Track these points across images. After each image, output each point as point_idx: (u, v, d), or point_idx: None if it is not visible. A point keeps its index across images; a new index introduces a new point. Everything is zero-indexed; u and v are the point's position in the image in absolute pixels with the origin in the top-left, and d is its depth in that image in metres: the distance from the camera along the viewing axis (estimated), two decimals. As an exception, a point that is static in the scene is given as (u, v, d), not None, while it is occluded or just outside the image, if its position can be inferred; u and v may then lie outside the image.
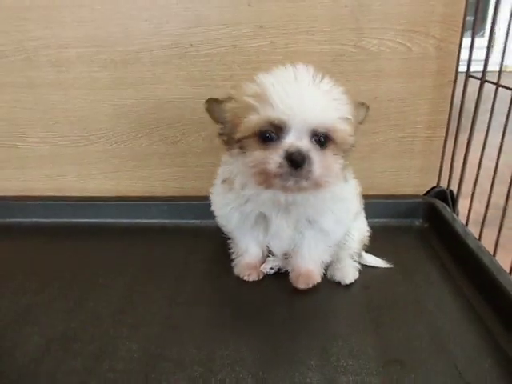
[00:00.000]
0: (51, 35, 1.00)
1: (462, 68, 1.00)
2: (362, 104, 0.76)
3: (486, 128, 0.92)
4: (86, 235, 1.07)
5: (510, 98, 0.81)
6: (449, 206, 1.07)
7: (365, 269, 0.90)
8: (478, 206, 0.98)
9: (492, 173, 0.90)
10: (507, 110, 0.83)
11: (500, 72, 0.86)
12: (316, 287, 0.85)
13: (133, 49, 1.01)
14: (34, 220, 1.12)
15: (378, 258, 0.93)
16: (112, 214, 1.10)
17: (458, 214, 1.07)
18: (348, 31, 0.99)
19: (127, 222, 1.10)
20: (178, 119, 1.08)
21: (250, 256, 0.89)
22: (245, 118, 0.66)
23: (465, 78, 0.97)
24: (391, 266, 0.91)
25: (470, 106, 0.99)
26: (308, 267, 0.85)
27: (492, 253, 0.88)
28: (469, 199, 0.99)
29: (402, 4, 0.96)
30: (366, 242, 0.92)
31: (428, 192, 1.13)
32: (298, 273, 0.85)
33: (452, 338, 0.72)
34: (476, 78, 0.93)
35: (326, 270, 0.88)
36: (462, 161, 1.01)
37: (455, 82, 1.01)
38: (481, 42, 0.96)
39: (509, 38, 0.84)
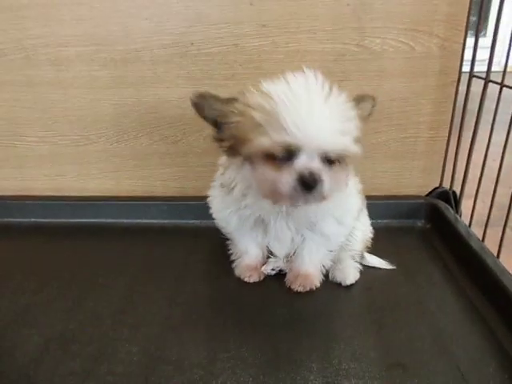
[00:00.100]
0: (50, 33, 0.99)
1: (465, 68, 0.99)
2: (367, 97, 0.74)
3: (488, 128, 0.91)
4: (86, 235, 1.06)
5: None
6: (451, 206, 1.06)
7: (366, 270, 0.89)
8: (482, 207, 0.97)
9: (494, 173, 0.89)
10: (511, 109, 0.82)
11: (504, 72, 0.85)
12: (317, 288, 0.84)
13: (133, 47, 1.00)
14: (33, 220, 1.11)
15: (380, 259, 0.92)
16: (112, 214, 1.10)
17: (460, 215, 1.06)
18: (350, 30, 0.98)
19: (127, 222, 1.10)
20: (179, 119, 1.07)
21: (250, 257, 0.88)
22: (253, 137, 0.64)
23: (468, 77, 0.96)
24: (393, 267, 0.90)
25: (471, 106, 0.98)
26: (307, 270, 0.84)
27: (495, 254, 0.87)
28: (471, 200, 0.98)
29: (405, 3, 0.95)
30: (369, 244, 0.91)
31: (430, 193, 1.13)
32: (296, 274, 0.84)
33: (455, 340, 0.72)
34: (480, 77, 0.92)
35: (327, 271, 0.87)
36: (464, 161, 1.00)
37: (459, 81, 1.00)
38: (482, 41, 0.95)
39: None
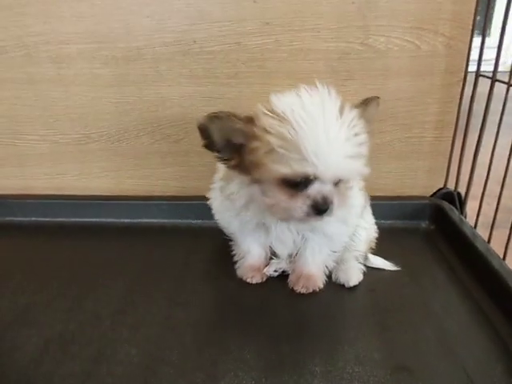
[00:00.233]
0: (51, 30, 0.98)
1: (470, 68, 0.98)
2: (371, 99, 0.72)
3: (493, 128, 0.90)
4: (86, 235, 1.06)
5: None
6: (456, 208, 1.05)
7: (370, 271, 0.88)
8: (486, 209, 0.96)
9: (499, 174, 0.88)
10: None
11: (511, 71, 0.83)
12: (320, 290, 0.83)
13: (135, 45, 0.99)
14: (34, 219, 1.10)
15: (384, 260, 0.90)
16: (112, 213, 1.09)
17: (465, 217, 1.05)
18: (355, 28, 0.97)
19: (128, 222, 1.09)
20: (181, 117, 1.06)
21: (252, 257, 0.87)
22: (269, 164, 0.62)
23: (475, 77, 0.95)
24: (397, 268, 0.89)
25: (476, 106, 0.97)
26: (310, 271, 0.83)
27: (502, 256, 0.86)
28: (476, 201, 0.97)
29: (410, 1, 0.94)
30: (373, 245, 0.90)
31: (435, 193, 1.11)
32: (299, 275, 0.83)
33: (460, 342, 0.70)
34: (487, 77, 0.91)
35: (330, 272, 0.86)
36: (468, 162, 0.99)
37: (464, 81, 0.99)
38: (486, 41, 0.93)
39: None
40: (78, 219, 1.10)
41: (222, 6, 0.96)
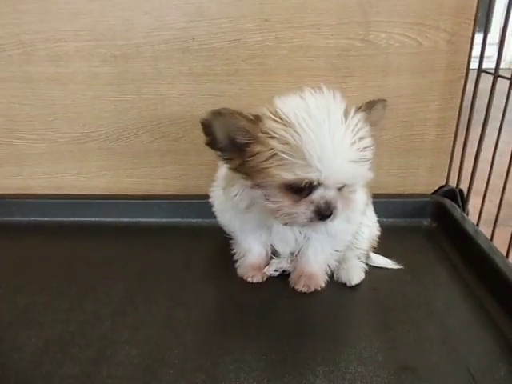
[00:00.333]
0: (49, 28, 0.97)
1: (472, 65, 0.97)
2: (377, 102, 0.70)
3: (494, 125, 0.89)
4: (85, 234, 1.05)
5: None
6: (458, 205, 1.04)
7: (372, 270, 0.87)
8: (489, 206, 0.95)
9: (501, 170, 0.88)
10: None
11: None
12: (321, 289, 0.82)
13: (133, 43, 0.98)
14: (32, 219, 1.10)
15: (385, 259, 0.90)
16: (112, 212, 1.08)
17: (467, 214, 1.04)
18: (355, 25, 0.96)
19: (127, 221, 1.08)
20: (181, 116, 1.05)
21: (253, 256, 0.86)
22: (272, 169, 0.62)
23: (477, 72, 0.94)
24: (399, 266, 0.88)
25: (477, 103, 0.96)
26: (312, 270, 0.82)
27: (505, 254, 0.85)
28: (478, 198, 0.96)
29: (411, -4, 0.93)
30: (375, 244, 0.89)
31: (436, 191, 1.11)
32: (301, 273, 0.83)
33: (463, 341, 0.70)
34: (489, 72, 0.90)
35: (331, 271, 0.85)
36: (470, 159, 0.98)
37: (466, 77, 0.98)
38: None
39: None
40: (76, 219, 1.09)
41: (220, 3, 0.95)
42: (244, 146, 0.64)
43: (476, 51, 0.96)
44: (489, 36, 0.93)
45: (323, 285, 0.83)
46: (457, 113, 1.02)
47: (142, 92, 1.03)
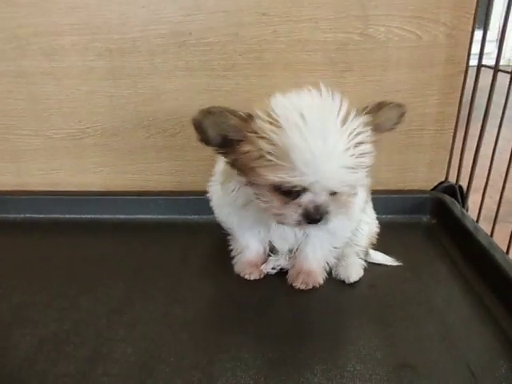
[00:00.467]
0: (43, 22, 0.96)
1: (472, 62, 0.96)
2: (383, 105, 0.65)
3: (493, 121, 0.89)
4: (81, 231, 1.04)
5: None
6: (458, 201, 1.03)
7: (371, 266, 0.86)
8: (489, 202, 0.94)
9: (502, 166, 0.87)
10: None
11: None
12: (320, 286, 0.81)
13: (130, 37, 0.97)
14: (28, 215, 1.09)
15: (384, 255, 0.89)
16: (108, 209, 1.07)
17: (467, 210, 1.03)
18: (354, 18, 0.94)
19: (124, 218, 1.07)
20: (177, 111, 1.04)
21: (250, 253, 0.85)
22: (260, 169, 0.60)
23: (477, 67, 0.93)
24: (399, 263, 0.87)
25: (477, 99, 0.95)
26: (310, 267, 0.81)
27: (505, 250, 0.84)
28: (478, 195, 0.95)
29: (411, -11, 0.92)
30: (374, 241, 0.88)
31: (436, 187, 1.10)
32: (299, 270, 0.82)
33: (463, 338, 0.69)
34: (489, 67, 0.89)
35: (330, 268, 0.84)
36: (470, 154, 0.97)
37: (466, 71, 0.97)
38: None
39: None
40: (72, 216, 1.08)
41: (217, -4, 0.94)
42: (236, 143, 0.63)
43: (475, 49, 0.95)
44: (488, 33, 0.92)
45: (322, 282, 0.82)
46: (456, 108, 1.01)
47: (138, 87, 1.02)
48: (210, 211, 0.82)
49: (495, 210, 0.90)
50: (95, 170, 1.11)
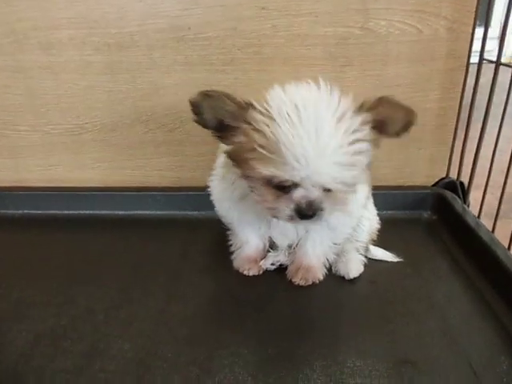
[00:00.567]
0: (41, 16, 0.95)
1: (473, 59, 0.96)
2: (383, 100, 0.63)
3: (495, 119, 0.88)
4: (80, 227, 1.03)
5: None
6: (459, 197, 1.02)
7: (371, 263, 0.86)
8: (491, 198, 0.94)
9: (502, 163, 0.87)
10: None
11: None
12: (319, 282, 0.81)
13: (127, 31, 0.96)
14: (26, 211, 1.08)
15: (385, 251, 0.88)
16: (106, 205, 1.06)
17: (468, 206, 1.02)
18: (354, 12, 0.93)
19: (122, 214, 1.06)
20: (176, 106, 1.03)
21: (250, 248, 0.84)
22: (252, 162, 0.59)
23: (478, 61, 0.92)
24: (399, 259, 0.87)
25: (478, 96, 0.94)
26: (310, 263, 0.81)
27: (506, 246, 0.84)
28: (479, 192, 0.94)
29: (411, -17, 0.91)
30: (375, 237, 0.87)
31: (437, 183, 1.09)
32: (298, 266, 0.81)
33: (464, 334, 0.69)
34: (490, 61, 0.88)
35: (330, 264, 0.83)
36: (471, 151, 0.97)
37: (468, 66, 0.96)
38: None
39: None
40: (71, 211, 1.07)
41: (216, -10, 0.93)
42: (231, 129, 0.62)
43: (476, 46, 0.94)
44: (490, 31, 0.92)
45: (321, 278, 0.81)
46: (457, 103, 1.00)
47: (137, 82, 1.01)
48: (210, 207, 0.81)
49: (496, 206, 0.90)
50: (93, 166, 1.11)
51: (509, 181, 0.87)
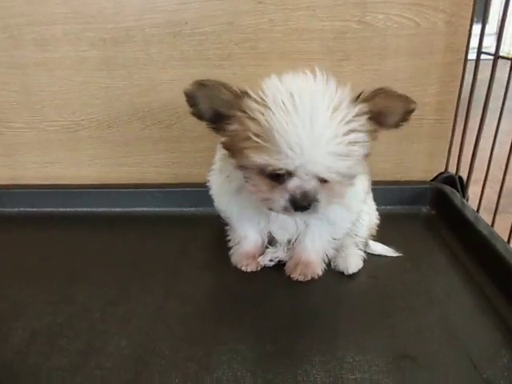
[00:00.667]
0: (35, 11, 0.94)
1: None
2: (380, 91, 0.63)
3: (493, 113, 0.88)
4: (77, 224, 1.03)
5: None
6: (458, 192, 1.02)
7: (370, 257, 0.85)
8: (490, 192, 0.93)
9: (501, 157, 0.86)
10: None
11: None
12: (318, 277, 0.80)
13: (124, 26, 0.95)
14: (22, 209, 1.08)
15: (384, 246, 0.88)
16: (103, 202, 1.06)
17: (467, 200, 1.02)
18: (351, 6, 0.93)
19: (120, 211, 1.06)
20: (173, 102, 1.02)
21: (248, 244, 0.83)
22: (247, 151, 0.59)
23: (476, 54, 0.91)
24: (399, 254, 0.86)
25: (476, 91, 0.94)
26: (309, 258, 0.80)
27: (506, 240, 0.83)
28: (478, 186, 0.94)
29: (409, -24, 0.90)
30: (374, 232, 0.87)
31: (435, 178, 1.08)
32: (297, 261, 0.80)
33: (464, 328, 0.68)
34: (489, 53, 0.88)
35: (329, 260, 0.83)
36: (470, 144, 0.96)
37: (466, 59, 0.95)
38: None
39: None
40: (68, 209, 1.07)
41: (213, -16, 0.92)
42: (226, 118, 0.62)
43: (474, 43, 0.94)
44: (487, 27, 0.91)
45: (320, 273, 0.81)
46: (456, 96, 1.00)
47: (134, 78, 1.00)
48: (208, 203, 0.81)
49: (496, 200, 0.89)
50: (90, 163, 1.10)
51: (508, 175, 0.87)
